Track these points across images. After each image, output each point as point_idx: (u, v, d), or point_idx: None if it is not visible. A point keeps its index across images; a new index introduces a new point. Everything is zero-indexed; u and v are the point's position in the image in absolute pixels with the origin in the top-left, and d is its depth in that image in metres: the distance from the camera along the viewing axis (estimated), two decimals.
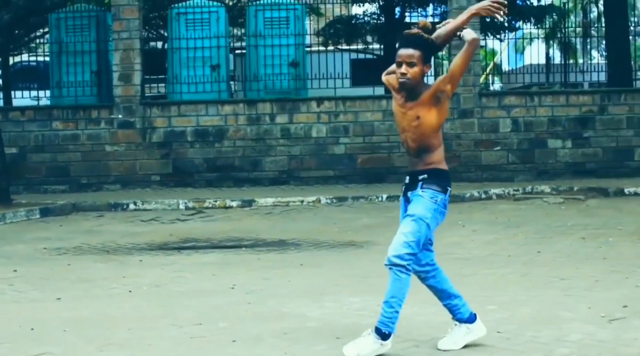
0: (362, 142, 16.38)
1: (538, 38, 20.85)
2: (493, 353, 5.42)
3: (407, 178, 5.47)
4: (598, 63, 22.63)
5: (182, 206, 14.14)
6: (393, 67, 5.52)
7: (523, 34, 23.44)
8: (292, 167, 16.35)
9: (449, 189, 5.36)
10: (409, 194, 5.42)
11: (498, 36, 22.48)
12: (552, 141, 16.32)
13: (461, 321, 5.55)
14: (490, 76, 36.38)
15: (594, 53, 36.61)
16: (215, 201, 14.26)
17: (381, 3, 22.88)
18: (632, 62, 19.19)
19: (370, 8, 24.55)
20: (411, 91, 5.39)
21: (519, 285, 7.53)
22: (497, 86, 37.08)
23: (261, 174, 16.32)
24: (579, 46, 35.60)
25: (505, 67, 40.89)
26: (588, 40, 32.41)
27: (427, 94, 5.35)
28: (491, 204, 13.87)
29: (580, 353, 5.33)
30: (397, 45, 5.50)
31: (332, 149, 16.40)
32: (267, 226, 12.11)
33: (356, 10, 26.69)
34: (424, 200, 5.33)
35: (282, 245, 10.36)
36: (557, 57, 32.53)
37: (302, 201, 14.19)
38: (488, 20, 21.07)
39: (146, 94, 17.41)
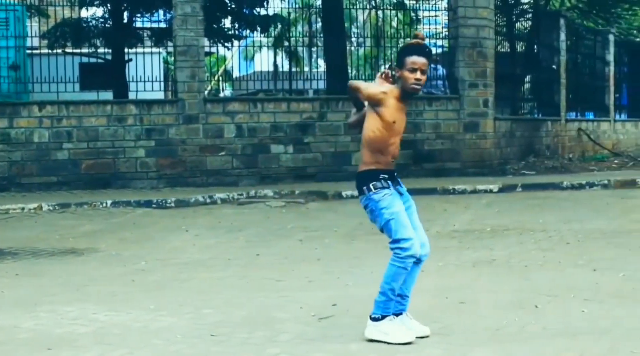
0: (86, 148, 16.12)
1: (262, 46, 21.32)
2: None
3: (388, 175, 5.64)
4: (318, 71, 23.44)
5: None
6: (378, 82, 5.65)
7: (247, 42, 23.88)
8: (13, 173, 15.83)
9: None
10: (397, 188, 5.67)
11: (226, 44, 22.77)
12: (274, 147, 16.78)
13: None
14: (220, 82, 36.72)
15: (320, 62, 37.84)
16: None
17: (109, 7, 22.56)
18: (351, 71, 20.07)
19: (98, 12, 24.16)
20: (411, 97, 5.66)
21: (236, 288, 7.69)
22: (227, 92, 37.51)
23: None
24: (305, 54, 36.72)
25: (235, 73, 41.41)
26: (313, 49, 33.48)
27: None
28: (216, 208, 14.06)
29: (289, 352, 5.50)
30: (404, 52, 5.64)
31: (55, 154, 16.02)
32: None
33: (84, 13, 26.15)
34: None
35: None
36: (284, 65, 33.36)
37: (23, 208, 13.76)
38: (215, 26, 21.36)
39: None
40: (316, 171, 16.79)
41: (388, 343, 5.55)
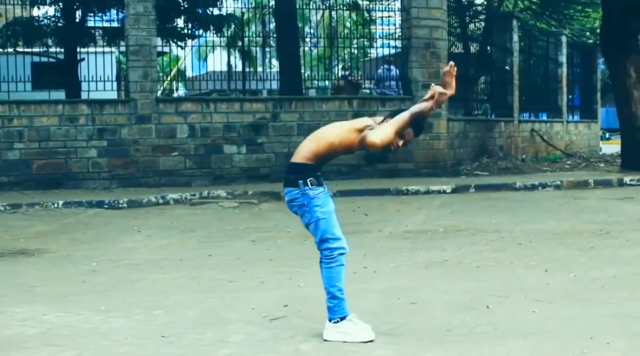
0: (37, 148, 15.96)
1: (216, 46, 21.23)
2: None
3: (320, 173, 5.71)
4: (271, 72, 23.40)
5: None
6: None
7: (200, 42, 23.77)
8: None
9: None
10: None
11: (179, 43, 22.68)
12: (227, 147, 16.74)
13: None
14: (174, 81, 36.51)
15: (274, 62, 37.84)
16: None
17: (61, 6, 22.37)
18: (304, 72, 20.04)
19: (50, 10, 23.93)
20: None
21: (187, 289, 7.65)
22: (181, 92, 37.34)
23: None
24: (259, 55, 36.67)
25: (189, 73, 41.25)
26: (267, 49, 33.45)
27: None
28: (168, 209, 13.99)
29: (240, 353, 5.48)
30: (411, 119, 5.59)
31: (6, 154, 15.86)
32: None
33: (36, 12, 25.88)
34: None
35: None
36: (238, 65, 33.24)
37: None
38: (169, 26, 21.25)
39: None
40: (269, 171, 16.76)
41: (351, 342, 5.55)
